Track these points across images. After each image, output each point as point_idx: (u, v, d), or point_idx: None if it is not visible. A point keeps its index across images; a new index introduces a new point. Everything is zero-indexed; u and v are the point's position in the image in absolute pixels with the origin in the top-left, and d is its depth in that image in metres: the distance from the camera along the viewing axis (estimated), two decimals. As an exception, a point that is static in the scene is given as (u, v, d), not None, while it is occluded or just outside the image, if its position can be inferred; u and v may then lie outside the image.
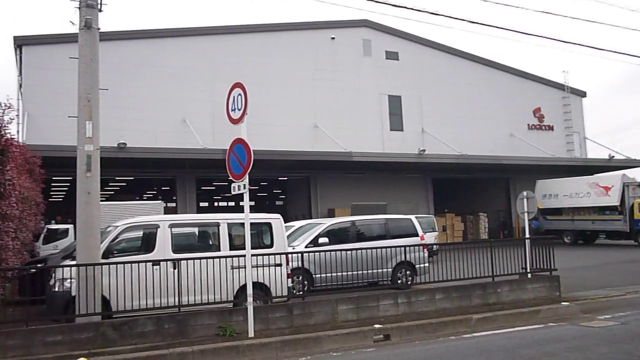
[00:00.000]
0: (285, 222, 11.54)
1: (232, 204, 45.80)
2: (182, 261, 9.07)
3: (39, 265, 12.71)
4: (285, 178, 34.11)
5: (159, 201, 22.10)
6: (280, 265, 10.14)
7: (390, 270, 12.51)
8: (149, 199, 37.55)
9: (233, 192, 8.91)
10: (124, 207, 17.87)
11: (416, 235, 14.26)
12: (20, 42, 25.42)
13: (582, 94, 40.61)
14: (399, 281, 12.59)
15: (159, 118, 26.87)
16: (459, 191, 38.16)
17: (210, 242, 10.58)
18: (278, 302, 9.89)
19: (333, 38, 32.15)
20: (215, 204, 49.44)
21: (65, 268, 9.01)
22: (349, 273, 10.81)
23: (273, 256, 10.05)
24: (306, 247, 12.62)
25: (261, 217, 10.96)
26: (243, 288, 9.16)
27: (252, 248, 8.91)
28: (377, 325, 9.26)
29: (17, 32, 73.81)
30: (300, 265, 10.96)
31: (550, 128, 38.46)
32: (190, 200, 28.00)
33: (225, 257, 9.57)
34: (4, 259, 8.50)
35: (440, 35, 76.11)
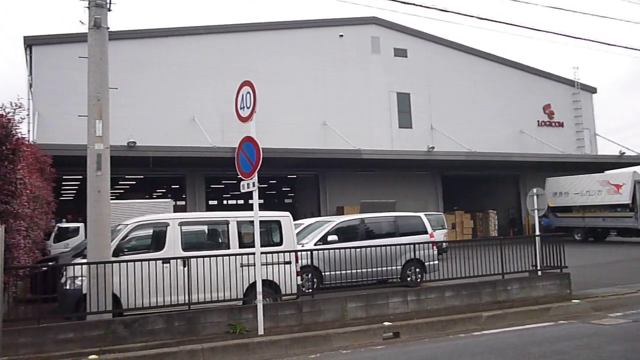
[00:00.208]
0: (294, 219, 11.56)
1: (241, 202, 45.85)
2: (192, 259, 9.11)
3: (50, 263, 12.84)
4: (294, 176, 34.09)
5: (169, 199, 22.16)
6: (289, 263, 10.14)
7: (399, 267, 12.50)
8: (158, 197, 37.67)
9: (242, 190, 8.93)
10: (134, 206, 17.92)
11: (425, 232, 14.26)
12: (30, 42, 25.56)
13: (593, 90, 40.28)
14: (409, 279, 12.62)
15: (168, 117, 26.97)
16: (468, 188, 37.91)
17: (220, 240, 10.61)
18: (287, 300, 9.91)
19: (341, 35, 32.06)
20: (225, 202, 49.52)
21: (76, 266, 9.08)
22: (358, 271, 10.79)
23: (282, 254, 10.04)
24: (315, 244, 12.64)
25: (270, 215, 11.00)
26: (252, 286, 9.19)
27: (261, 246, 8.92)
28: (386, 323, 9.25)
29: (27, 32, 74.37)
30: (309, 262, 10.99)
31: (561, 125, 38.19)
32: (199, 199, 28.05)
33: (235, 255, 9.59)
34: (16, 257, 8.57)
35: (449, 32, 75.76)
